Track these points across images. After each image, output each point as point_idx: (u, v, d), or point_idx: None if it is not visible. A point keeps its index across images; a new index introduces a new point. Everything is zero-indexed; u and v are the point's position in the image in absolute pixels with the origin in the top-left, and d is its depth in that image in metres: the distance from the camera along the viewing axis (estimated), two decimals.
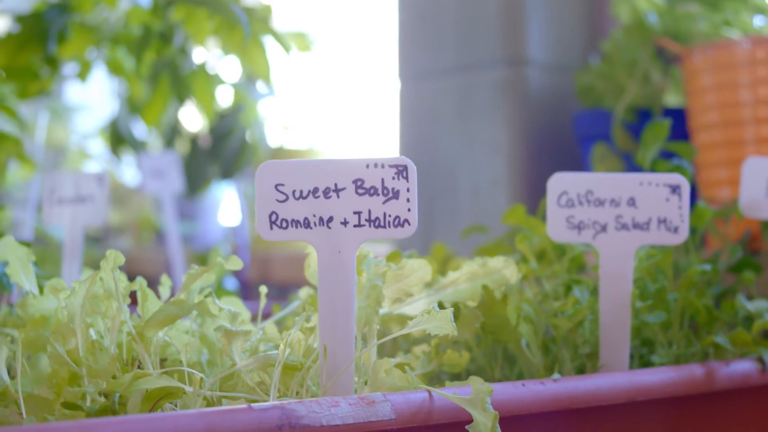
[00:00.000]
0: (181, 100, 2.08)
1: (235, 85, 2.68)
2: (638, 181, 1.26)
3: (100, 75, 2.52)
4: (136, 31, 2.04)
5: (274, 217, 1.07)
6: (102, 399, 1.07)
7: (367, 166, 1.06)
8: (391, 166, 1.06)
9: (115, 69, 2.31)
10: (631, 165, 2.03)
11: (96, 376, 1.09)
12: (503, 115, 2.28)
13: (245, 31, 1.58)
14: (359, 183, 1.06)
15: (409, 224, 1.05)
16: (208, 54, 2.25)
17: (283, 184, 1.07)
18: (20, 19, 1.96)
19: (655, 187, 1.26)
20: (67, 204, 1.61)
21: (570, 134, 2.31)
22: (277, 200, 1.07)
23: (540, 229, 1.46)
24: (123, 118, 2.71)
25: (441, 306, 1.23)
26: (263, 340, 1.17)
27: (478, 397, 1.00)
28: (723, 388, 1.30)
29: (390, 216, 1.05)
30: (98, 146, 3.54)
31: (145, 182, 2.22)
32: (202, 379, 1.05)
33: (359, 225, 1.06)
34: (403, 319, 1.25)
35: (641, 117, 2.03)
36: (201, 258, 2.53)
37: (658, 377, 1.23)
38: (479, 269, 1.25)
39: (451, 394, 1.01)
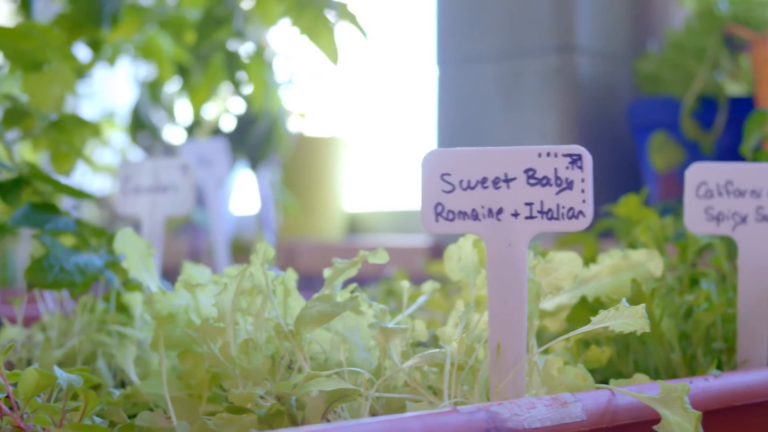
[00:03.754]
0: (236, 85, 2.01)
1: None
2: None
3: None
4: (189, 14, 1.96)
5: (440, 209, 1.01)
6: (262, 402, 1.01)
7: (539, 155, 1.01)
8: (564, 155, 1.00)
9: (148, 53, 2.23)
10: (694, 154, 2.00)
11: (248, 377, 1.03)
12: (552, 102, 2.24)
13: (335, 13, 1.52)
14: (531, 173, 1.01)
15: (584, 216, 1.00)
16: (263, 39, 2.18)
17: (449, 174, 1.02)
18: (72, 0, 1.88)
19: None
20: (144, 193, 1.54)
21: (620, 122, 2.28)
22: (443, 191, 1.01)
23: (654, 221, 1.42)
24: (143, 104, 2.63)
25: (585, 300, 1.19)
26: (413, 337, 1.11)
27: (670, 396, 0.95)
28: None
29: (563, 207, 1.00)
30: (108, 134, 3.44)
31: None
32: (369, 379, 0.99)
33: (531, 217, 1.01)
34: (542, 314, 1.20)
35: (706, 105, 2.00)
36: (235, 246, 2.46)
37: None
38: (621, 262, 1.21)
39: (636, 393, 0.97)
